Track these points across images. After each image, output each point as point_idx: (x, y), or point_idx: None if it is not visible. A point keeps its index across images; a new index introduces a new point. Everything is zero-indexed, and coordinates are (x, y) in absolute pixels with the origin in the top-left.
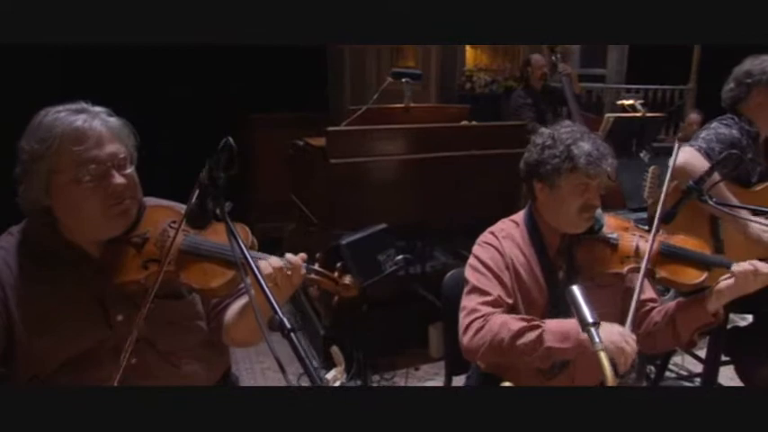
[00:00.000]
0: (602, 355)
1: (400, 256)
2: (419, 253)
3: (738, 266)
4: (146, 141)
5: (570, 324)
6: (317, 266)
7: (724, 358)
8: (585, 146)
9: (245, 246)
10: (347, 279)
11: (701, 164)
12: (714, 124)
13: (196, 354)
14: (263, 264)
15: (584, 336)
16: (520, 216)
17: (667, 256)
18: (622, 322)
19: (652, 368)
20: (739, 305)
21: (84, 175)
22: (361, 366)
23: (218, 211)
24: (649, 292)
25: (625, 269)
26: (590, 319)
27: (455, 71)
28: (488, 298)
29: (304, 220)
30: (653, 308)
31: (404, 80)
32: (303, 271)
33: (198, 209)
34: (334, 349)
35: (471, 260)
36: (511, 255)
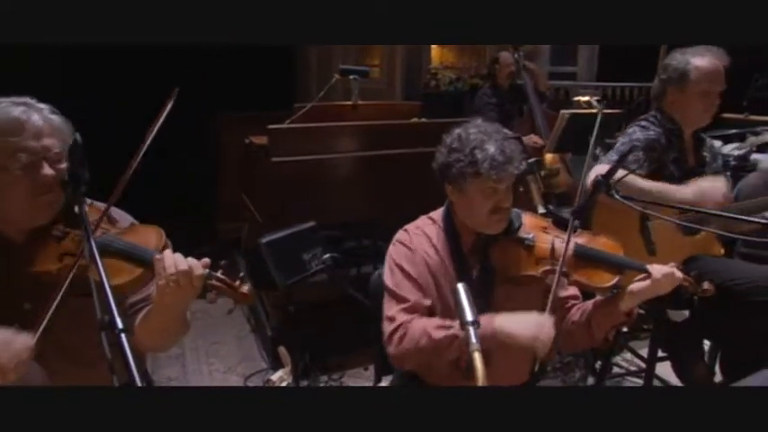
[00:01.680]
0: (476, 356)
1: (327, 255)
2: (371, 251)
3: (656, 270)
4: (108, 141)
5: (483, 321)
6: (219, 273)
7: (661, 354)
8: (491, 149)
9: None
10: (245, 288)
11: (634, 179)
12: (631, 129)
13: (101, 353)
14: (168, 262)
15: (499, 324)
16: (438, 213)
17: (581, 258)
18: None
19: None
20: (675, 301)
21: (13, 163)
22: (309, 367)
23: (76, 208)
24: (572, 290)
25: (540, 271)
26: (469, 318)
27: (420, 69)
28: (406, 304)
29: (253, 220)
30: (574, 305)
31: (351, 77)
32: (202, 272)
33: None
34: (282, 350)
35: (387, 261)
36: (424, 253)
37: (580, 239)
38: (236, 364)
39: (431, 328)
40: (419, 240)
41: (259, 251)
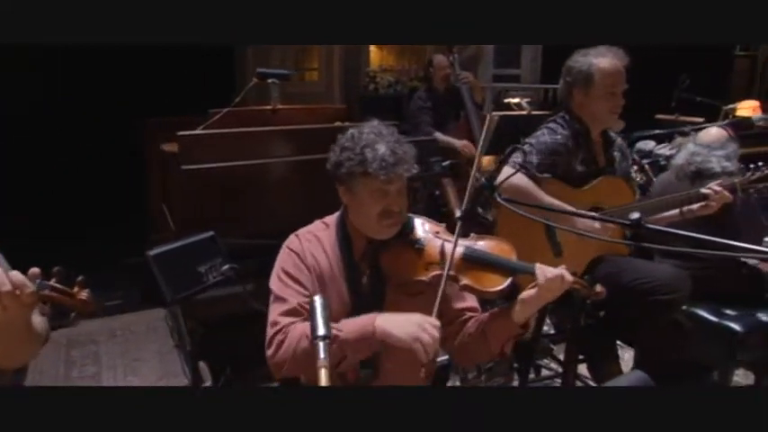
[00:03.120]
0: (322, 373)
1: (227, 266)
2: None
3: (542, 272)
4: (35, 148)
5: (364, 320)
6: (53, 282)
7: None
8: (381, 149)
9: None
10: (84, 294)
11: (520, 180)
12: (539, 132)
13: None
14: None
15: (379, 324)
16: (333, 217)
17: (470, 261)
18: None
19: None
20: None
21: None
22: (230, 381)
23: None
24: (470, 301)
25: (429, 276)
26: (319, 332)
27: (359, 71)
28: (287, 306)
29: (170, 231)
30: (471, 317)
31: (270, 80)
32: (31, 289)
33: None
34: (202, 365)
35: (275, 266)
36: (313, 259)
37: (470, 242)
38: (155, 381)
39: (309, 329)
40: (309, 246)
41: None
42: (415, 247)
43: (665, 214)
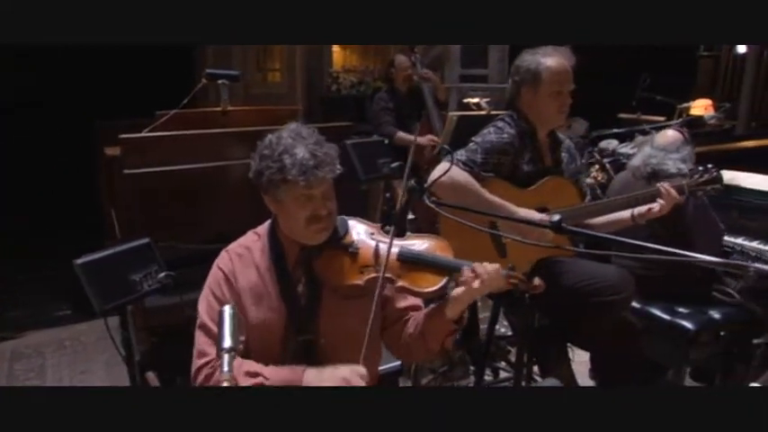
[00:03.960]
0: (225, 386)
1: (163, 274)
2: None
3: (467, 271)
4: None
5: (291, 373)
6: None
7: None
8: (299, 153)
9: None
10: None
11: (461, 177)
12: (486, 130)
13: None
14: None
15: (306, 381)
16: (264, 227)
17: (405, 262)
18: (378, 335)
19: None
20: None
21: None
22: None
23: None
24: (412, 300)
25: (364, 279)
26: (225, 345)
27: (322, 72)
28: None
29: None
30: (413, 317)
31: (220, 82)
32: None
33: None
34: (150, 375)
35: (205, 284)
36: (243, 278)
37: (406, 242)
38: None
39: (239, 373)
40: (239, 263)
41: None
42: (349, 250)
43: (615, 218)
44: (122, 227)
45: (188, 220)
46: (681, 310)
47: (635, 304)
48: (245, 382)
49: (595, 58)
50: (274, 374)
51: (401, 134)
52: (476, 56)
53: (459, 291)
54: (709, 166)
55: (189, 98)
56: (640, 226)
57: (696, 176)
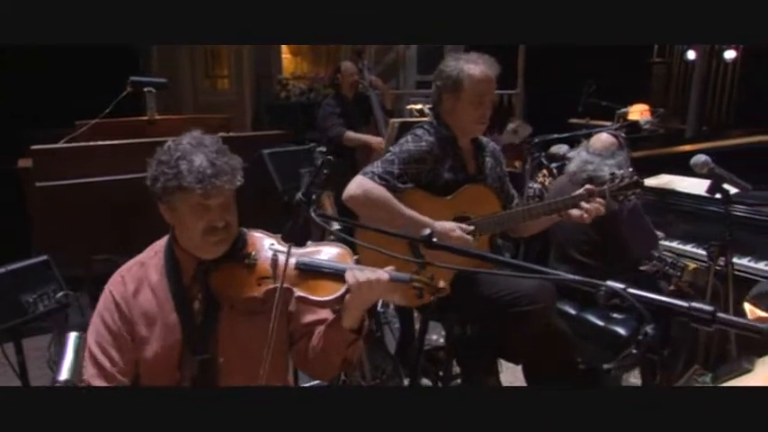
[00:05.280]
0: None
1: (61, 293)
2: None
3: (349, 276)
4: None
5: None
6: None
7: None
8: (197, 160)
9: None
10: None
11: (375, 191)
12: (404, 139)
13: None
14: None
15: None
16: (161, 242)
17: (304, 271)
18: (284, 351)
19: None
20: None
21: None
22: None
23: None
24: (322, 314)
25: (262, 291)
26: (61, 377)
27: (272, 78)
28: (103, 372)
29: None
30: (318, 331)
31: (146, 89)
32: None
33: None
34: None
35: (96, 309)
36: (135, 303)
37: (305, 251)
38: None
39: None
40: (132, 284)
41: None
42: (246, 262)
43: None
44: (37, 242)
45: (118, 232)
46: (615, 316)
47: (570, 310)
48: None
49: (548, 63)
50: None
51: (350, 134)
52: (433, 62)
53: (348, 298)
54: (630, 170)
55: (112, 106)
56: (576, 232)
57: (617, 181)
